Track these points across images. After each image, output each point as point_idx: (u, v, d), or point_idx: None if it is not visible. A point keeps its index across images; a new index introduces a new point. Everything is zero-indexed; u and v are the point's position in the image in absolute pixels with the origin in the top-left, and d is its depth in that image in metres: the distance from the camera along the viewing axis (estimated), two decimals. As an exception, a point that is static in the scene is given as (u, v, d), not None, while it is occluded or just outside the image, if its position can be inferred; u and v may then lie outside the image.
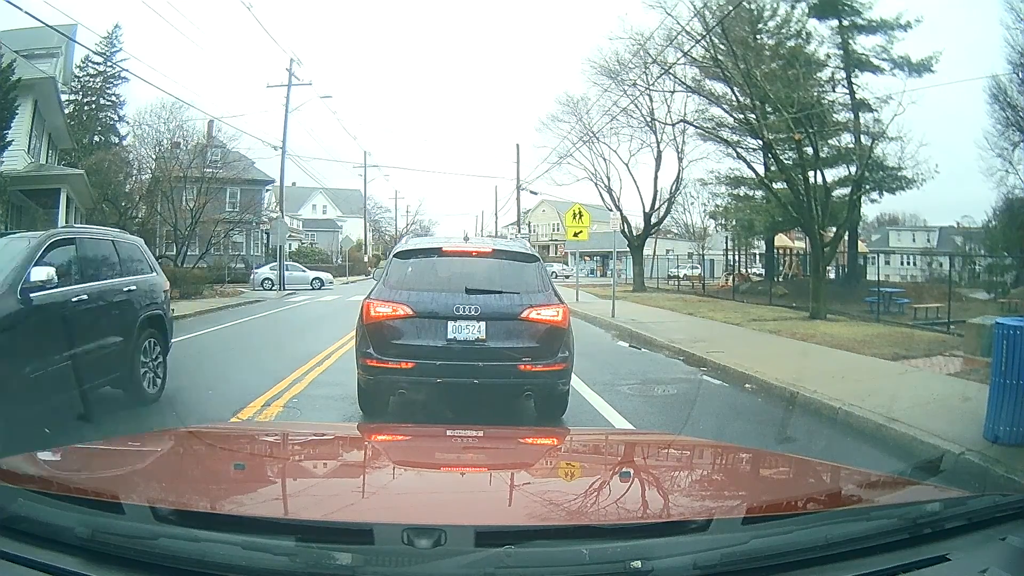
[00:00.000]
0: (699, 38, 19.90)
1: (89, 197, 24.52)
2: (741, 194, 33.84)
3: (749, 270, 43.56)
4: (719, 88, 23.97)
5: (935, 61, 27.08)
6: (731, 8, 19.42)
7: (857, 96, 27.30)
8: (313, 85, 57.27)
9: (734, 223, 36.60)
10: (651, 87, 27.01)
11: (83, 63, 37.04)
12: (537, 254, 7.35)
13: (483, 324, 6.21)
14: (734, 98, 21.64)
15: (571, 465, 2.60)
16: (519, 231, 43.22)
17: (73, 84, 33.65)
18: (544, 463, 2.60)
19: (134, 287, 7.51)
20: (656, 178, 34.18)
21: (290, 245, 47.19)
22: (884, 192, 28.22)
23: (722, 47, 19.52)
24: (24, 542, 1.52)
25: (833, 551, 1.53)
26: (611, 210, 28.77)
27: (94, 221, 28.27)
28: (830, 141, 25.29)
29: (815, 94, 21.91)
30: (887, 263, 44.92)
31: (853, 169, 22.81)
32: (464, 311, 6.21)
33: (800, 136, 19.32)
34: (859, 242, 36.79)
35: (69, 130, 27.40)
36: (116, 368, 6.83)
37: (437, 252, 6.95)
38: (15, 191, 19.02)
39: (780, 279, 34.72)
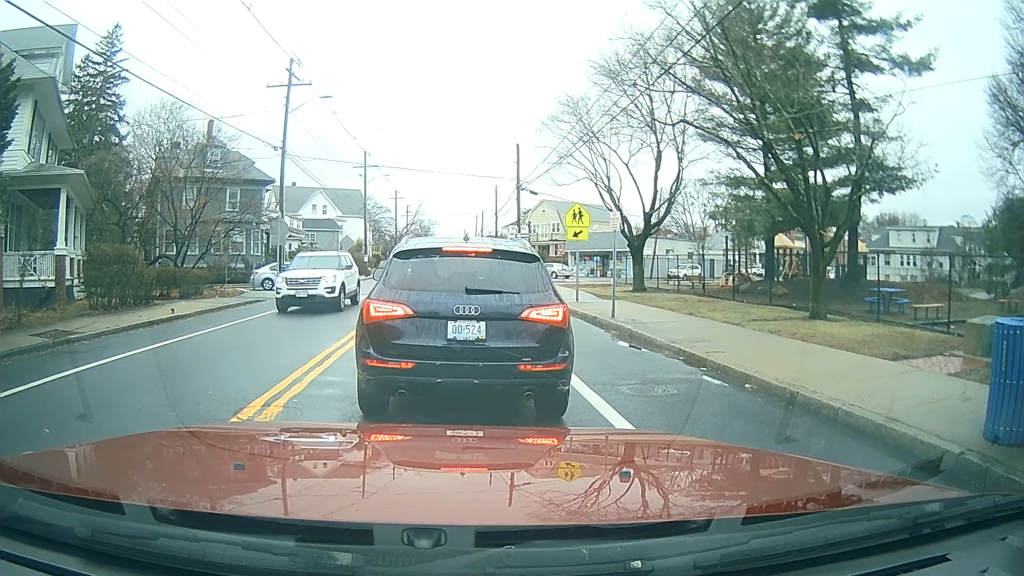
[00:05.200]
0: (699, 38, 19.91)
1: (89, 197, 24.50)
2: (741, 194, 33.83)
3: (749, 270, 43.58)
4: (719, 88, 24.00)
5: (934, 59, 27.12)
6: (731, 8, 19.42)
7: (857, 96, 27.30)
8: (313, 85, 57.07)
9: (734, 223, 36.58)
10: (651, 87, 27.03)
11: (83, 63, 37.01)
12: (537, 254, 7.35)
13: (483, 324, 6.21)
14: (734, 98, 21.65)
15: (571, 465, 2.60)
16: (519, 231, 43.22)
17: (73, 84, 33.58)
18: (544, 463, 2.60)
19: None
20: (656, 178, 34.18)
21: (290, 245, 47.12)
22: (884, 192, 28.24)
23: (722, 47, 19.52)
24: (24, 542, 1.52)
25: (833, 551, 1.53)
26: (611, 210, 28.74)
27: (94, 221, 28.36)
28: (830, 141, 25.30)
29: (815, 94, 21.92)
30: (887, 263, 44.94)
31: (853, 169, 22.80)
32: (464, 311, 6.20)
33: (800, 136, 19.32)
34: (859, 242, 36.80)
35: (69, 130, 27.35)
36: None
37: (437, 252, 6.95)
38: (15, 191, 19.01)
39: (780, 279, 34.73)
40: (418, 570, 1.40)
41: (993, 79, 25.98)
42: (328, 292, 20.31)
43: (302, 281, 20.32)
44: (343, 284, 21.16)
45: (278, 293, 20.76)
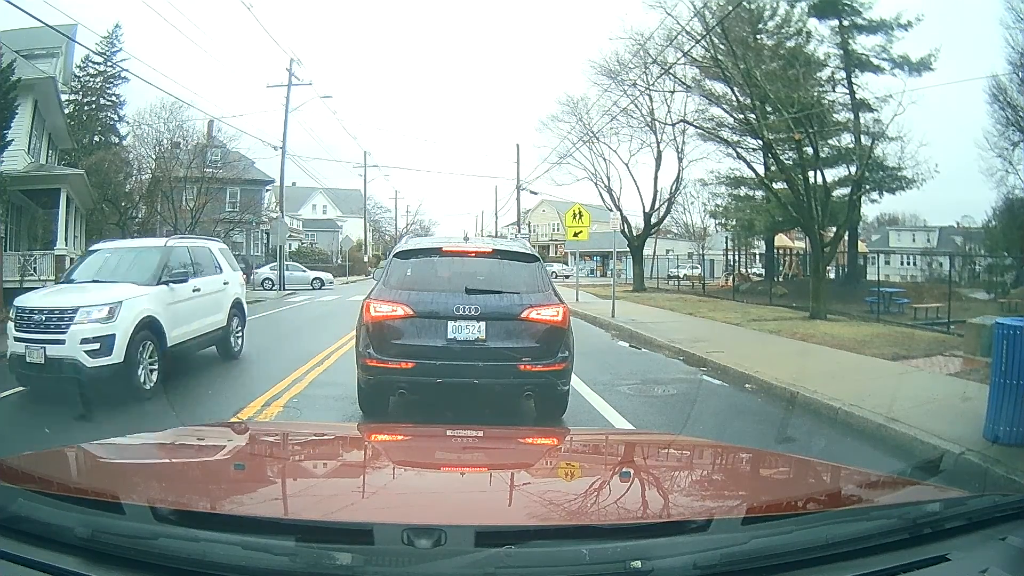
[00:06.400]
0: (699, 38, 19.90)
1: (89, 197, 24.52)
2: (741, 194, 33.82)
3: (749, 270, 43.55)
4: (719, 88, 23.98)
5: (934, 59, 27.14)
6: (731, 8, 19.42)
7: (857, 96, 27.31)
8: (313, 85, 57.17)
9: (734, 223, 36.57)
10: (651, 87, 27.02)
11: (83, 63, 36.90)
12: (537, 254, 7.35)
13: (483, 324, 6.21)
14: (734, 98, 21.65)
15: (571, 465, 2.59)
16: (519, 231, 43.17)
17: (73, 84, 33.58)
18: (544, 463, 2.60)
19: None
20: (656, 178, 34.17)
21: (290, 245, 47.14)
22: (884, 192, 28.27)
23: (722, 47, 19.52)
24: (24, 542, 1.52)
25: (833, 551, 1.53)
26: (611, 210, 28.73)
27: (94, 221, 28.35)
28: (830, 141, 25.31)
29: (815, 94, 21.91)
30: (887, 263, 44.89)
31: (853, 169, 22.81)
32: (464, 311, 6.21)
33: (800, 136, 19.32)
34: (859, 242, 36.78)
35: (69, 130, 27.37)
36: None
37: (437, 252, 6.95)
38: (15, 191, 19.04)
39: (780, 279, 34.72)
40: (418, 570, 1.40)
41: (993, 79, 26.03)
42: (90, 351, 7.70)
43: (39, 318, 8.00)
44: (151, 325, 8.41)
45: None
